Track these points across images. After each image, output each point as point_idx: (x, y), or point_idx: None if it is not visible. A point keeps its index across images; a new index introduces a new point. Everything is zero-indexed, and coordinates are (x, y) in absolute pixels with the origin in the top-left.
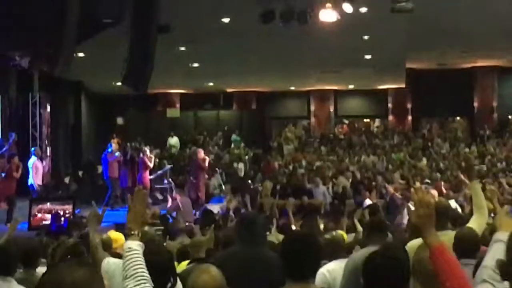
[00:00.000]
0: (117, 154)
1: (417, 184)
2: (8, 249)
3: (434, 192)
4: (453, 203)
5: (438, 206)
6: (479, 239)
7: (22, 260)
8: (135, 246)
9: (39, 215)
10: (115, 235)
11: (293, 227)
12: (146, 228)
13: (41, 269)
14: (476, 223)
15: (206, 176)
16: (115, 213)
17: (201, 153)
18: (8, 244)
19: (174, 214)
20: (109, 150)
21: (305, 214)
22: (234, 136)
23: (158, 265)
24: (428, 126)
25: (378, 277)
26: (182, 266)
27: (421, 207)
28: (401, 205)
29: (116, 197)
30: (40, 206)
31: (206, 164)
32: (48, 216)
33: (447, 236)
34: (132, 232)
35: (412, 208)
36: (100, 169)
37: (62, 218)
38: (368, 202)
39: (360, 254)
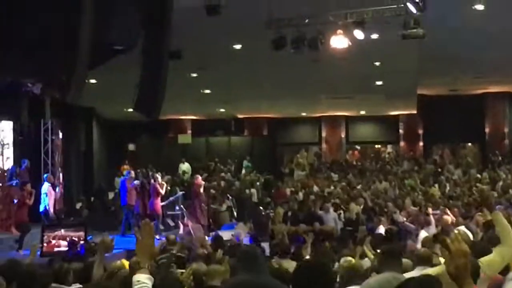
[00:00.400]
0: (136, 182)
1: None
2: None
3: (448, 218)
4: (463, 229)
5: (393, 249)
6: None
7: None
8: (144, 279)
9: (53, 241)
10: (127, 264)
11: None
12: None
13: None
14: (501, 254)
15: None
16: (127, 239)
17: (198, 180)
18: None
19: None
20: (127, 177)
21: (316, 241)
22: (245, 162)
23: None
24: (439, 152)
25: None
26: None
27: (458, 256)
28: (415, 230)
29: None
30: (52, 232)
31: (201, 190)
32: (62, 242)
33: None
34: (141, 265)
35: (425, 234)
36: (111, 195)
37: (78, 245)
38: (382, 228)
39: (374, 280)
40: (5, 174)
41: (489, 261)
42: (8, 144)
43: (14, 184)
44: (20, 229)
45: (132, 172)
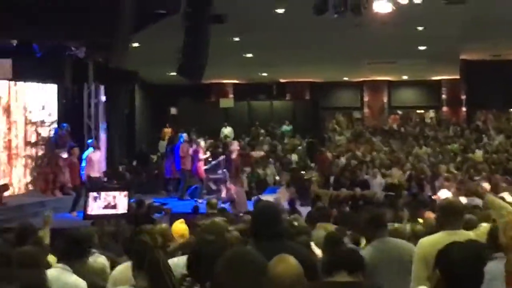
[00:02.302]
0: (188, 146)
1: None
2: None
3: (487, 186)
4: (507, 197)
5: (453, 205)
6: None
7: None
8: None
9: (95, 204)
10: (178, 227)
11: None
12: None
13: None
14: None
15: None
16: (183, 203)
17: (233, 145)
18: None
19: (227, 204)
20: (181, 141)
21: (358, 206)
22: (284, 127)
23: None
24: (482, 118)
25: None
26: None
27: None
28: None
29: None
30: (95, 196)
31: (234, 156)
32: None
33: (462, 235)
34: None
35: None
36: (154, 159)
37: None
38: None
39: (433, 238)
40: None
41: None
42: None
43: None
44: (76, 191)
45: (186, 136)
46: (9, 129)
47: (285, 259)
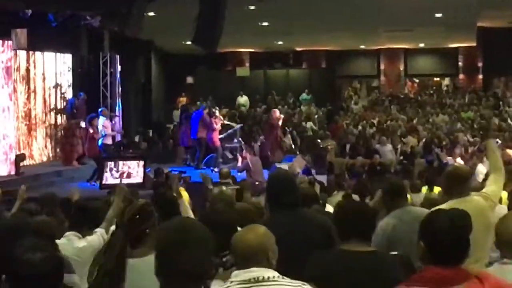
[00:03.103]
0: (207, 116)
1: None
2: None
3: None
4: None
5: (458, 172)
6: None
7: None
8: None
9: (111, 173)
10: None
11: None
12: (224, 188)
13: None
14: (497, 183)
15: (279, 135)
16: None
17: (276, 113)
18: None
19: (244, 173)
20: (203, 111)
21: (374, 173)
22: (304, 95)
23: (222, 225)
24: (499, 85)
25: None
26: None
27: None
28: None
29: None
30: (111, 165)
31: (280, 123)
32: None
33: (472, 202)
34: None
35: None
36: (170, 128)
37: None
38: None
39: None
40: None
41: (493, 191)
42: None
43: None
44: (96, 162)
45: (206, 105)
46: (28, 98)
47: (255, 228)
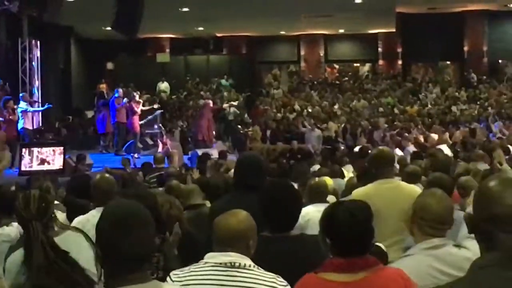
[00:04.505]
0: (124, 100)
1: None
2: None
3: (435, 136)
4: (444, 148)
5: (384, 154)
6: None
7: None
8: None
9: (29, 159)
10: None
11: None
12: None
13: None
14: None
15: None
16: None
17: (209, 102)
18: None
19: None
20: (116, 95)
21: (294, 159)
22: (223, 81)
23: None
24: (418, 71)
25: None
26: None
27: None
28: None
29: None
30: (30, 151)
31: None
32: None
33: (394, 184)
34: None
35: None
36: (89, 114)
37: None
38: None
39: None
40: None
41: None
42: None
43: None
44: (10, 147)
45: (121, 91)
46: None
47: (236, 213)
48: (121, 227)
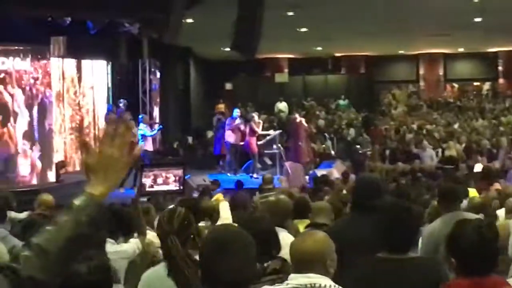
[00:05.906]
0: (239, 121)
1: None
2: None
3: None
4: None
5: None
6: None
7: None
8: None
9: (149, 180)
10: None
11: None
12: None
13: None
14: None
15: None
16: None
17: (296, 118)
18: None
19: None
20: (234, 115)
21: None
22: (341, 101)
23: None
24: None
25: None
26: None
27: None
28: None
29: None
30: (150, 172)
31: (302, 128)
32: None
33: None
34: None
35: None
36: (209, 134)
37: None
38: (479, 166)
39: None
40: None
41: None
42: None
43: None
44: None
45: (239, 111)
46: (76, 110)
47: (314, 234)
48: (218, 252)
